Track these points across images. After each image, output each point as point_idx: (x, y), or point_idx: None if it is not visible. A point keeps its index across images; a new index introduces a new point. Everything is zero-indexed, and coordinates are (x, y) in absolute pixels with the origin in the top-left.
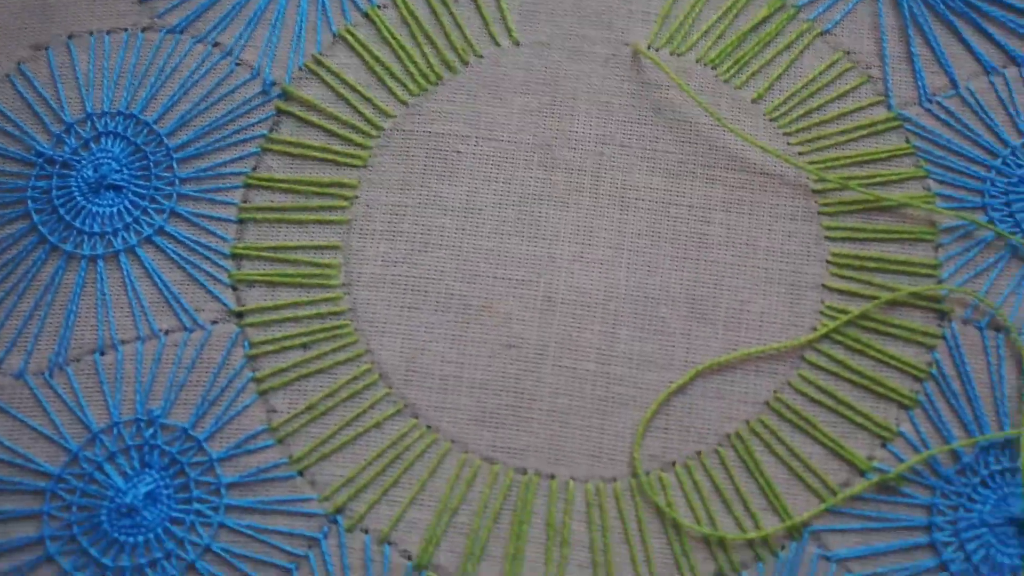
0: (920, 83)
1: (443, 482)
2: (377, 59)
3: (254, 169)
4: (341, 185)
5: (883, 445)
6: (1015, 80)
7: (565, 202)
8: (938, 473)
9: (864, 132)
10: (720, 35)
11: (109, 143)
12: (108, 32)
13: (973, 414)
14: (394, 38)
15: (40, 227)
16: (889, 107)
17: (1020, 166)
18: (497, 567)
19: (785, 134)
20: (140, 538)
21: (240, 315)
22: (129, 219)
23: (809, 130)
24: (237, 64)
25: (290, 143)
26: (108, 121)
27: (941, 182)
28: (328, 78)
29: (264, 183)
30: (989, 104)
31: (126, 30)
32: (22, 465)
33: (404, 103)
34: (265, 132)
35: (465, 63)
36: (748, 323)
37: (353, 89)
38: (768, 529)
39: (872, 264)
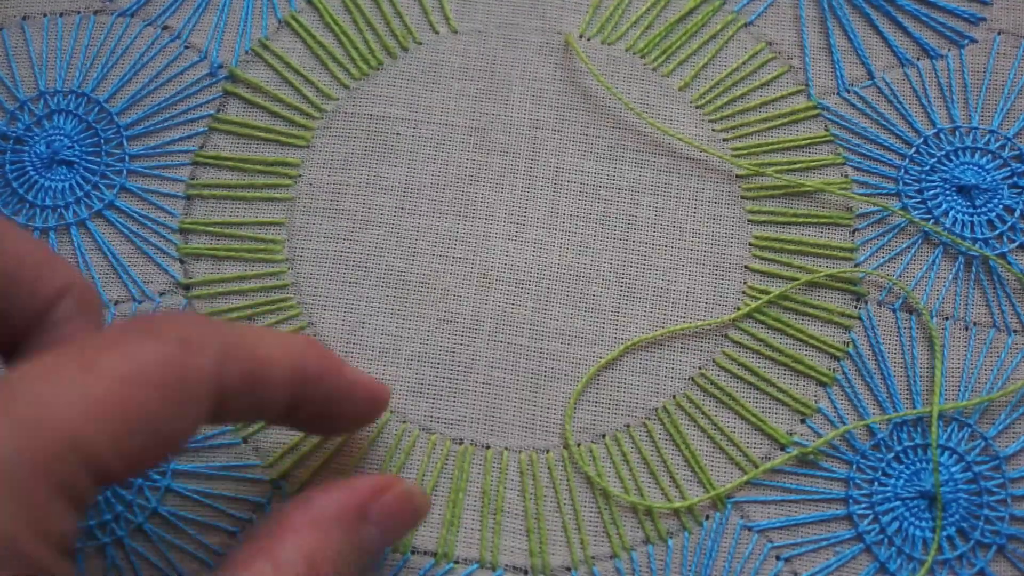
0: (839, 73)
1: (383, 451)
2: (320, 44)
3: (202, 148)
4: (285, 164)
5: (802, 421)
6: (928, 72)
7: (500, 184)
8: (855, 448)
9: (785, 120)
10: (649, 25)
11: (61, 120)
12: (61, 14)
13: (887, 392)
14: (337, 24)
15: None
16: (809, 96)
17: (932, 155)
18: (435, 533)
19: (710, 121)
20: None
21: (187, 287)
22: (80, 193)
23: (733, 117)
24: (186, 47)
25: (236, 123)
26: (61, 99)
27: (858, 169)
28: (273, 61)
29: (211, 161)
30: (904, 95)
31: (79, 12)
32: None
33: (346, 87)
34: (212, 112)
35: (405, 49)
36: (675, 302)
37: (297, 72)
38: (693, 499)
39: (792, 247)
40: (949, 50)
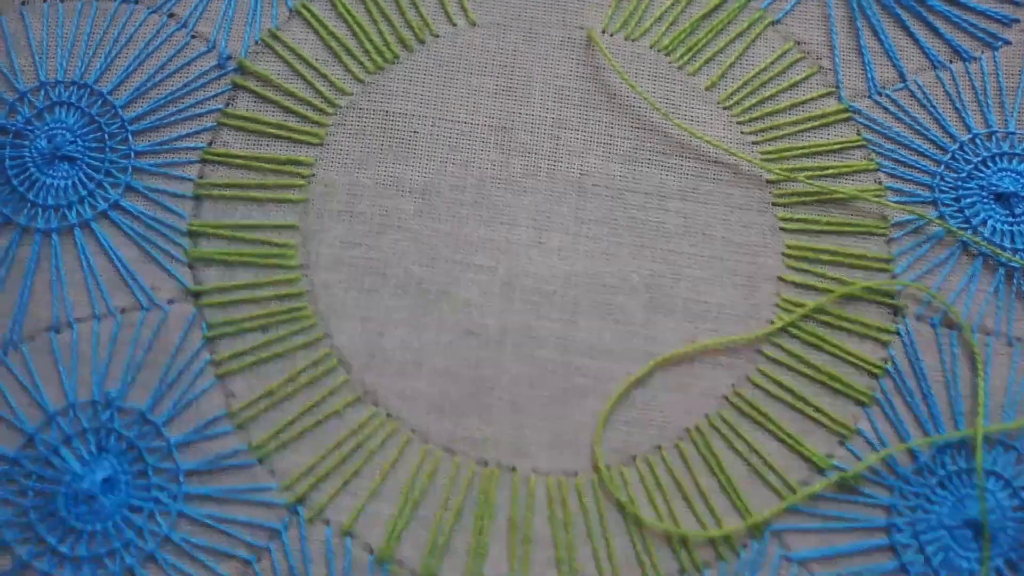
0: (870, 75)
1: (404, 473)
2: (333, 35)
3: (210, 144)
4: (298, 163)
5: (841, 443)
6: (961, 75)
7: (523, 186)
8: (896, 472)
9: (815, 123)
10: (673, 21)
11: (63, 113)
12: (62, 0)
13: (929, 412)
14: (350, 14)
15: None
16: (840, 99)
17: (968, 161)
18: (460, 562)
19: (738, 123)
20: (98, 526)
21: (197, 295)
22: (84, 192)
23: (762, 119)
24: (192, 36)
25: (246, 118)
26: (62, 91)
27: (892, 175)
28: (284, 53)
29: (220, 159)
30: (937, 98)
31: None
32: None
33: (361, 81)
34: (221, 107)
35: (421, 42)
36: (705, 314)
37: (309, 65)
38: (730, 528)
39: (826, 257)
40: (982, 52)
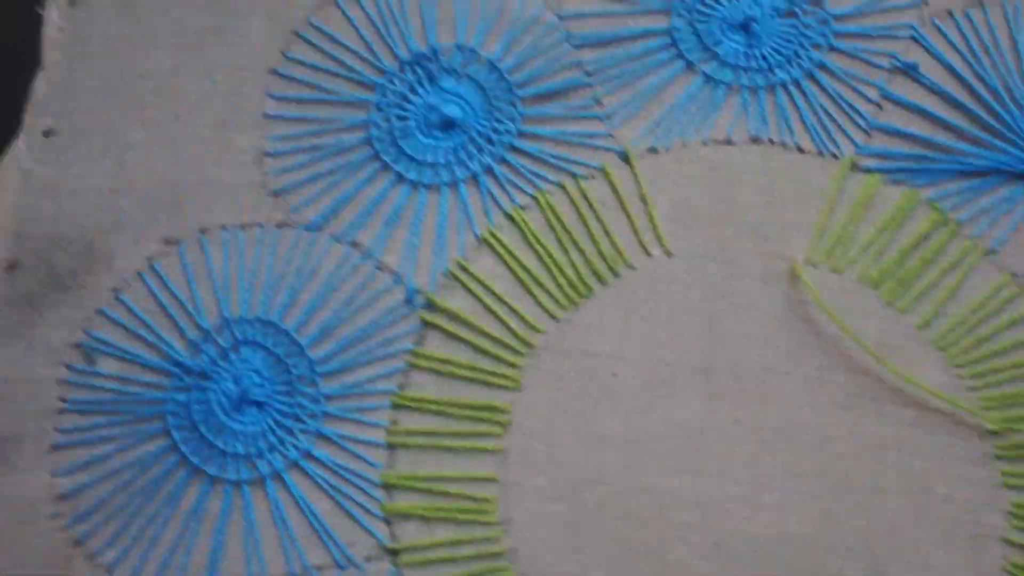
0: None
1: None
2: (523, 267)
3: (401, 387)
4: (494, 409)
5: None
6: None
7: (730, 436)
8: None
9: None
10: (880, 251)
11: (249, 353)
12: (242, 228)
13: None
14: (540, 243)
15: (181, 446)
16: None
17: None
18: None
19: (956, 366)
20: None
21: (395, 552)
22: (274, 439)
23: (981, 362)
24: (378, 268)
25: (438, 359)
26: (247, 328)
27: None
28: (473, 286)
29: (413, 404)
30: None
31: (261, 226)
32: None
33: (555, 318)
34: (411, 346)
35: (616, 274)
36: None
37: (500, 300)
38: None
39: None
40: None
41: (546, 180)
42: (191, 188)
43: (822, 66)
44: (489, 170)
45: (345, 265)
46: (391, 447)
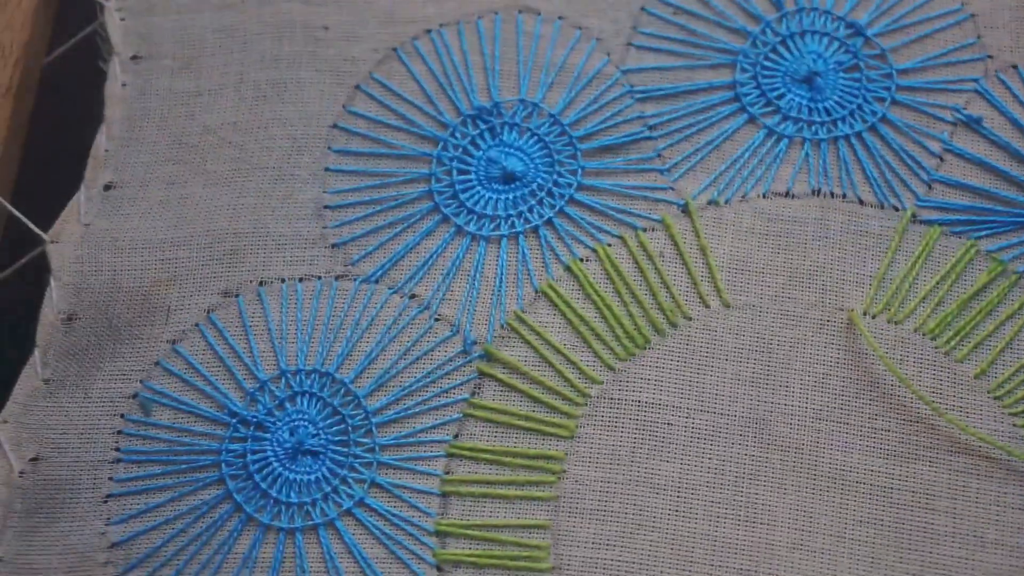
0: None
1: None
2: (581, 318)
3: (456, 437)
4: (548, 458)
5: None
6: None
7: (782, 484)
8: None
9: None
10: (939, 302)
11: (305, 403)
12: (300, 280)
13: None
14: (598, 295)
15: (235, 495)
16: None
17: None
18: None
19: (1011, 415)
20: None
21: None
22: (328, 488)
23: None
24: (436, 320)
25: (493, 409)
26: (303, 379)
27: None
28: (531, 337)
29: (467, 453)
30: None
31: (319, 278)
32: None
33: (611, 368)
34: (467, 396)
35: (674, 326)
36: None
37: (557, 351)
38: None
39: None
40: None
41: (606, 232)
42: (250, 240)
43: (885, 119)
44: (549, 222)
45: (402, 317)
46: (445, 495)
